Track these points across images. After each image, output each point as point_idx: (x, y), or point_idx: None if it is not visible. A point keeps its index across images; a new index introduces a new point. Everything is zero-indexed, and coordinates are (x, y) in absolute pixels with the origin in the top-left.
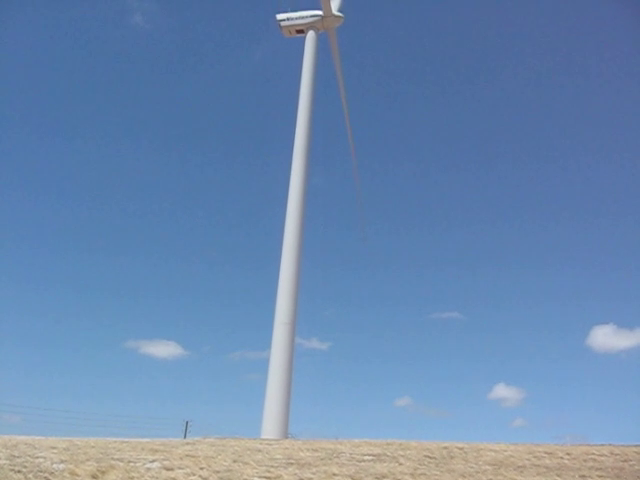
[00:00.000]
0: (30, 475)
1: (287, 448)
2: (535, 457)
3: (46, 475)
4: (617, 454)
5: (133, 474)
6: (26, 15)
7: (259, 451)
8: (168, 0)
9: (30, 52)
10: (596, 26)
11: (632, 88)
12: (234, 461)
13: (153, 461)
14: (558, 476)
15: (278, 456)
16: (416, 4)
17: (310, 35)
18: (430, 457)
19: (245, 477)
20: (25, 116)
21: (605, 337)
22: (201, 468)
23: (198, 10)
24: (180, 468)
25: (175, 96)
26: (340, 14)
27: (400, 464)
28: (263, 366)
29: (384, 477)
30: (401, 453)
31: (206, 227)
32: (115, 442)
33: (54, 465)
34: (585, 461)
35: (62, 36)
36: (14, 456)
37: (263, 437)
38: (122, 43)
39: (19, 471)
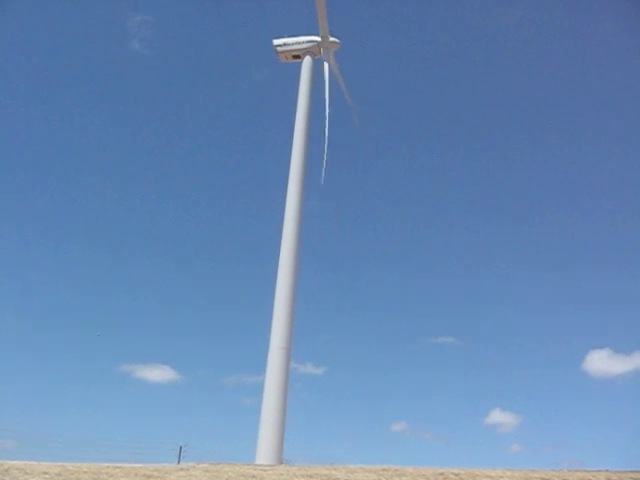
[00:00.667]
0: None
1: (282, 474)
2: None
3: None
4: None
5: None
6: (24, 40)
7: (253, 477)
8: (166, 26)
9: (28, 78)
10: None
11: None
12: None
13: None
14: None
15: None
16: (412, 31)
17: (307, 60)
18: None
19: None
20: (25, 139)
21: (601, 362)
22: None
23: (195, 36)
24: None
25: (172, 122)
26: (336, 40)
27: None
28: (258, 391)
29: None
30: (397, 479)
31: (201, 250)
32: (108, 467)
33: None
34: None
35: (60, 62)
36: None
37: (258, 462)
38: (120, 68)
39: None
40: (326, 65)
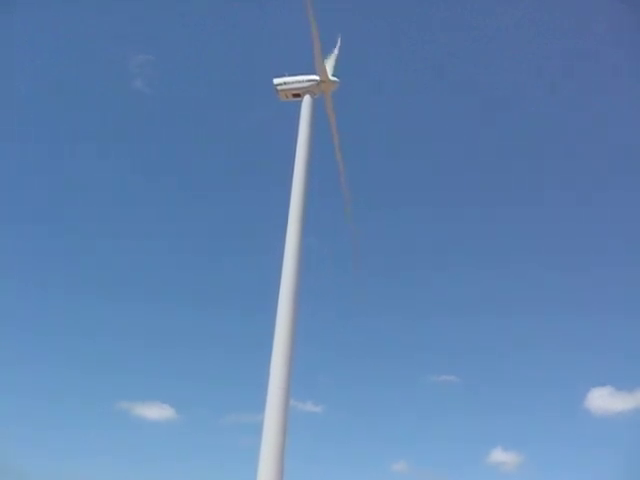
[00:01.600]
0: None
1: None
2: None
3: None
4: None
5: None
6: (25, 81)
7: None
8: (168, 66)
9: (29, 119)
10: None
11: None
12: None
13: None
14: None
15: None
16: (411, 73)
17: (306, 99)
18: None
19: None
20: (25, 174)
21: (603, 399)
22: None
23: (197, 75)
24: None
25: (172, 162)
26: (336, 79)
27: None
28: (257, 429)
29: None
30: None
31: (201, 288)
32: None
33: None
34: None
35: (61, 101)
36: None
37: None
38: (123, 107)
39: None
40: (328, 102)
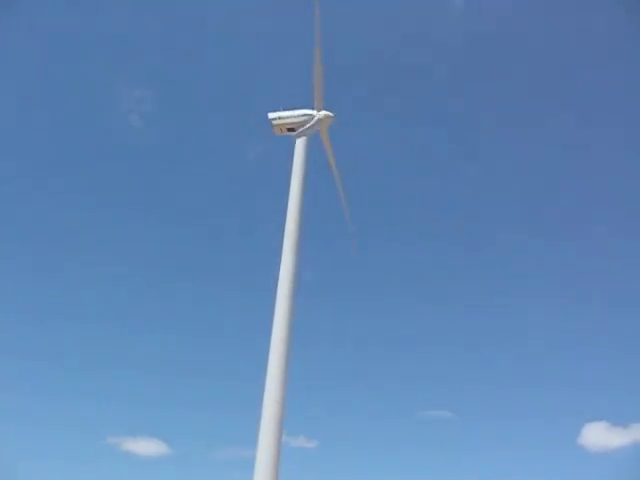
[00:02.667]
0: None
1: None
2: None
3: None
4: None
5: None
6: (22, 118)
7: None
8: (165, 102)
9: (25, 155)
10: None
11: None
12: None
13: None
14: None
15: None
16: (407, 109)
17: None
18: None
19: None
20: (24, 228)
21: (598, 435)
22: None
23: (193, 111)
24: None
25: (167, 197)
26: (330, 113)
27: None
28: (249, 465)
29: None
30: None
31: (193, 321)
32: None
33: None
34: None
35: (58, 135)
36: None
37: None
38: (118, 142)
39: None
40: (324, 136)
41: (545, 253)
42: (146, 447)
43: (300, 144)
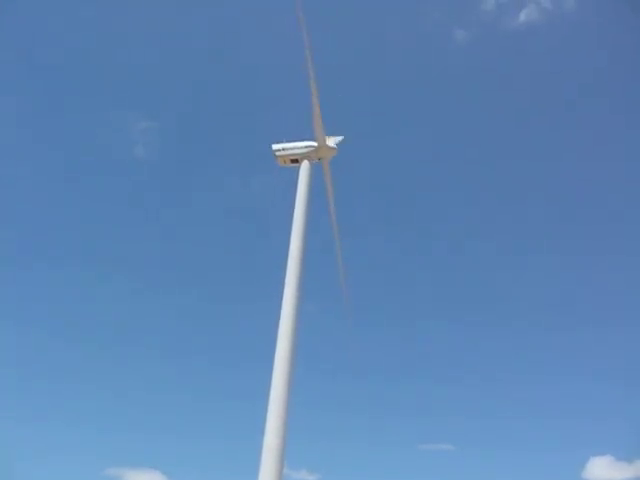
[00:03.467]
0: None
1: None
2: None
3: None
4: None
5: None
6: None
7: None
8: (170, 134)
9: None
10: None
11: None
12: None
13: None
14: None
15: None
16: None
17: (304, 165)
18: None
19: None
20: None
21: (602, 469)
22: None
23: (197, 143)
24: None
25: (173, 227)
26: (334, 146)
27: None
28: None
29: None
30: None
31: (195, 350)
32: None
33: None
34: None
35: (62, 167)
36: None
37: None
38: (124, 174)
39: None
40: (325, 169)
41: (546, 273)
42: (146, 479)
43: (304, 170)
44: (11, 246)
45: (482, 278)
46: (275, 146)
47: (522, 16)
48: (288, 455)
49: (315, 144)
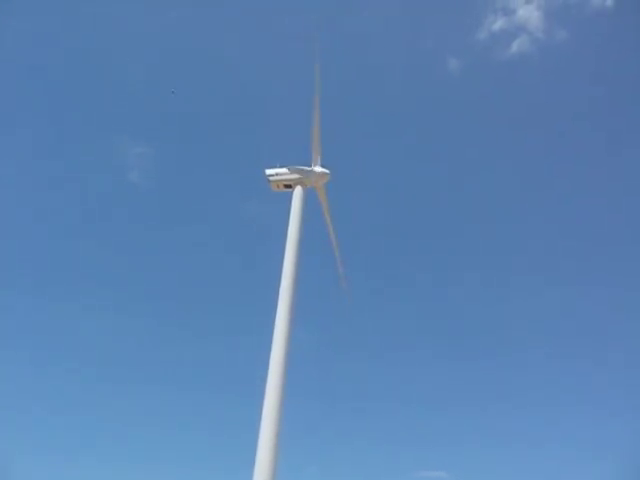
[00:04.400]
0: None
1: None
2: None
3: None
4: None
5: None
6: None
7: None
8: (165, 159)
9: (27, 213)
10: None
11: None
12: None
13: None
14: None
15: None
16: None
17: (297, 190)
18: None
19: None
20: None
21: None
22: None
23: (192, 169)
24: None
25: (167, 255)
26: (326, 171)
27: None
28: None
29: None
30: None
31: (187, 378)
32: None
33: None
34: None
35: (57, 193)
36: None
37: None
38: (118, 200)
39: None
40: (321, 193)
41: (551, 301)
42: None
43: (297, 196)
44: None
45: (473, 307)
46: (268, 171)
47: (515, 46)
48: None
49: (309, 169)
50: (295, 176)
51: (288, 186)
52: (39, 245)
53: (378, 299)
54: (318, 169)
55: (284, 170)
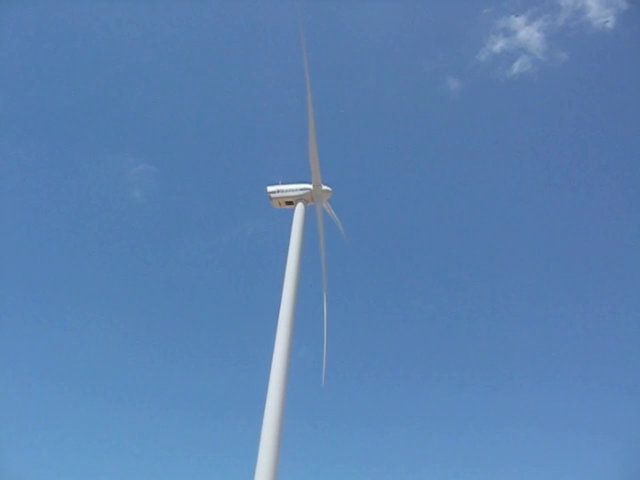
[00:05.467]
0: None
1: None
2: None
3: None
4: None
5: None
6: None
7: None
8: (166, 178)
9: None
10: None
11: None
12: None
13: None
14: None
15: None
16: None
17: (299, 207)
18: None
19: None
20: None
21: None
22: None
23: (194, 187)
24: None
25: (168, 274)
26: (329, 188)
27: None
28: None
29: None
30: None
31: (183, 399)
32: None
33: None
34: None
35: (56, 209)
36: None
37: None
38: (119, 217)
39: None
40: (319, 212)
41: (550, 321)
42: None
43: (299, 213)
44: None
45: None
46: (270, 188)
47: (516, 67)
48: None
49: (310, 186)
50: (297, 193)
51: (290, 203)
52: (38, 262)
53: (376, 310)
54: (320, 186)
55: (286, 187)
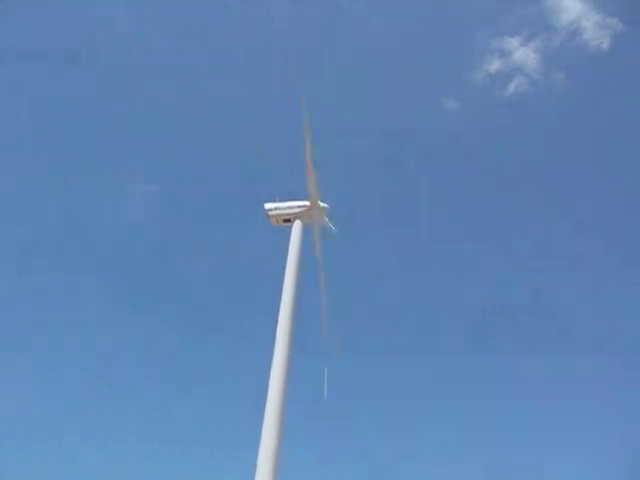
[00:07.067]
0: None
1: None
2: None
3: None
4: None
5: None
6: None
7: None
8: (166, 197)
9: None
10: None
11: None
12: None
13: None
14: None
15: None
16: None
17: (297, 225)
18: None
19: None
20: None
21: None
22: None
23: (193, 206)
24: None
25: (166, 294)
26: (326, 205)
27: None
28: None
29: None
30: None
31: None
32: None
33: None
34: None
35: (57, 231)
36: None
37: None
38: (118, 235)
39: None
40: (316, 229)
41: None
42: None
43: (296, 230)
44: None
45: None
46: (267, 205)
47: (511, 87)
48: None
49: (308, 204)
50: (294, 210)
51: (287, 220)
52: (39, 285)
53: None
54: (317, 203)
55: (284, 204)
